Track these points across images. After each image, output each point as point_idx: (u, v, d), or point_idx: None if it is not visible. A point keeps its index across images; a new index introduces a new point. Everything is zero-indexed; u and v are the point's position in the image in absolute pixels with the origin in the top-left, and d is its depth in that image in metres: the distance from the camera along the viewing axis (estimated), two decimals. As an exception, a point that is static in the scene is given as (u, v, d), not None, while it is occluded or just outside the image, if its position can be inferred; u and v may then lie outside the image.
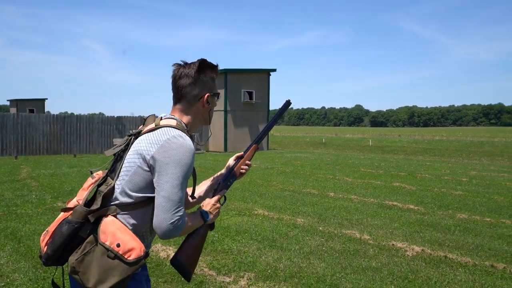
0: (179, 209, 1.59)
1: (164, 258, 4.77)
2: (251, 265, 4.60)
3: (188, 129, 1.78)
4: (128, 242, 1.56)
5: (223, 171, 2.04)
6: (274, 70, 26.00)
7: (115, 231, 1.58)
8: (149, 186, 1.65)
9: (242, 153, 2.04)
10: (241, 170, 2.02)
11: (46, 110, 40.54)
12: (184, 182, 1.62)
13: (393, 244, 5.43)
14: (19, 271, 4.36)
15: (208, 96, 1.82)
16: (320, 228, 6.24)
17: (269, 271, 4.44)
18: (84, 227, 1.63)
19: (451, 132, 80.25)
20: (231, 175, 2.00)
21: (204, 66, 1.80)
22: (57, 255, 1.62)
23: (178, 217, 1.59)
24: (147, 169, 1.64)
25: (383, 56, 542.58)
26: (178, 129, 1.69)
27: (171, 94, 1.85)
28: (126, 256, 1.54)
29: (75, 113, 20.67)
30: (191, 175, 1.74)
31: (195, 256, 1.82)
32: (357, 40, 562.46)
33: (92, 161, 16.84)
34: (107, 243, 1.56)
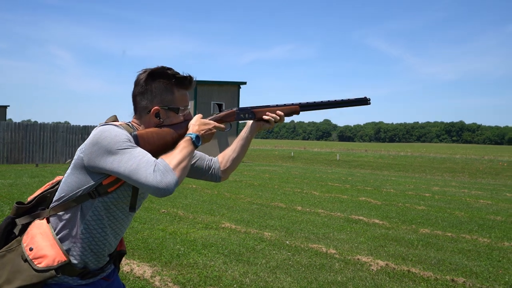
0: (146, 162, 1.42)
1: (127, 272, 4.65)
2: (216, 280, 4.55)
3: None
4: (43, 248, 1.48)
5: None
6: (245, 83, 26.15)
7: (36, 235, 1.52)
8: (78, 186, 1.52)
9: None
10: (266, 117, 1.77)
11: (8, 117, 39.20)
12: (129, 146, 1.46)
13: (358, 259, 5.49)
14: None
15: (157, 110, 1.61)
16: (287, 242, 6.25)
17: (235, 285, 4.40)
18: (16, 225, 1.61)
19: (416, 148, 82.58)
20: (251, 111, 1.78)
21: (156, 74, 1.60)
22: None
23: (154, 168, 1.41)
24: (81, 167, 1.52)
25: (351, 72, 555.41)
26: (117, 126, 1.54)
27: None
28: (35, 262, 1.47)
29: (39, 122, 20.00)
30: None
31: None
32: (326, 55, 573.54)
33: (55, 170, 16.32)
34: (25, 244, 1.51)
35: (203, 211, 8.42)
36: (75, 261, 1.55)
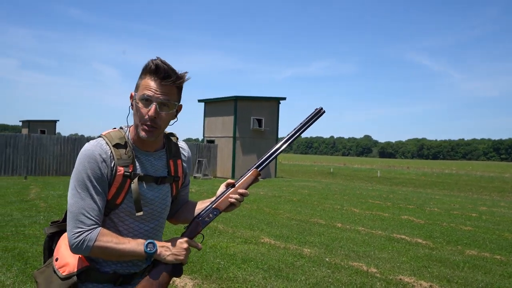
0: (80, 220, 1.47)
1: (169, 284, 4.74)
2: (256, 295, 4.55)
3: (129, 137, 1.63)
4: (66, 257, 1.56)
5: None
6: (284, 98, 26.21)
7: (61, 245, 1.60)
8: None
9: (234, 181, 1.71)
10: (231, 200, 1.66)
11: (57, 131, 41.07)
12: (83, 190, 1.49)
13: (400, 279, 5.35)
14: (25, 292, 4.35)
15: (131, 95, 1.62)
16: (327, 259, 6.18)
17: (274, 301, 4.39)
18: (55, 240, 1.68)
19: (461, 165, 79.61)
20: (211, 209, 1.67)
21: (143, 68, 1.59)
22: None
23: (80, 230, 1.46)
24: None
25: (392, 88, 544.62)
26: (103, 136, 1.59)
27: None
28: (60, 271, 1.54)
29: (85, 135, 20.83)
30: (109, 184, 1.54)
31: None
32: (365, 71, 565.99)
33: (101, 183, 16.89)
34: (53, 256, 1.60)
35: (243, 226, 8.48)
36: (103, 268, 1.60)
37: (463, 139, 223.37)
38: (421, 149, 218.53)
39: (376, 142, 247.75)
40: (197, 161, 23.42)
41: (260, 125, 24.81)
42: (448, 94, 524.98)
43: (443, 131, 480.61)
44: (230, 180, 1.71)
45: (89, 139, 20.83)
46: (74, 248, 1.47)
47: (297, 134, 1.72)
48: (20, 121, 44.68)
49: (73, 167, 1.59)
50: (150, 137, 1.56)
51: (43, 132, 37.09)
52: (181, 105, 1.66)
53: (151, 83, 1.54)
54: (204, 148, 24.39)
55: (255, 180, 1.70)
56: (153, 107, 1.52)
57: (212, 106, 26.12)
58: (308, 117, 1.74)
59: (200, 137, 28.33)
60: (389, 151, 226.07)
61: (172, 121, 1.64)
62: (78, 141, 20.48)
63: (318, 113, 1.74)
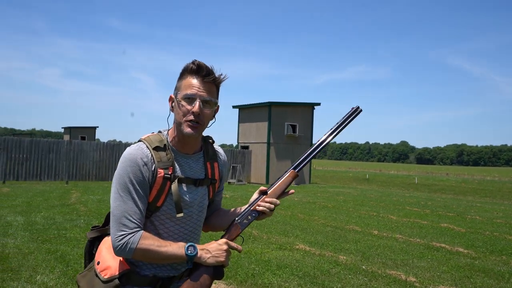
0: (122, 224, 1.50)
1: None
2: (291, 302, 4.51)
3: (168, 140, 1.65)
4: (107, 260, 1.57)
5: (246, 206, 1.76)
6: (319, 104, 26.04)
7: (102, 249, 1.62)
8: None
9: (266, 188, 1.71)
10: (259, 208, 1.66)
11: (96, 137, 42.35)
12: (125, 194, 1.52)
13: (441, 289, 5.17)
14: (66, 293, 4.49)
15: (170, 97, 1.65)
16: (363, 267, 6.06)
17: (310, 309, 4.33)
18: (96, 244, 1.70)
19: (504, 172, 76.34)
20: (250, 211, 1.68)
21: (182, 70, 1.62)
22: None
23: (123, 233, 1.49)
24: None
25: (429, 93, 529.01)
26: (143, 140, 1.61)
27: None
28: (102, 274, 1.55)
29: (123, 141, 21.41)
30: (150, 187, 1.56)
31: None
32: (402, 76, 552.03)
33: (138, 188, 17.27)
34: (95, 260, 1.62)
35: (277, 232, 8.44)
36: (143, 271, 1.61)
37: (506, 145, 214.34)
38: (461, 155, 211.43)
39: (413, 148, 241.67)
40: (231, 167, 23.58)
41: (294, 131, 24.72)
42: (490, 98, 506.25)
43: (484, 136, 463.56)
44: (262, 188, 1.71)
45: (126, 145, 21.37)
46: (118, 251, 1.51)
47: (335, 133, 1.72)
48: (62, 127, 46.49)
49: (112, 172, 1.62)
50: (195, 133, 1.58)
51: (83, 138, 38.36)
52: (218, 106, 1.68)
53: (194, 81, 1.58)
54: (238, 154, 24.53)
55: (292, 180, 1.70)
56: (197, 103, 1.56)
57: (246, 112, 26.26)
58: (345, 116, 1.74)
59: (235, 143, 28.55)
60: (426, 157, 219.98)
61: (210, 122, 1.66)
62: (116, 147, 21.05)
63: (355, 111, 1.74)
